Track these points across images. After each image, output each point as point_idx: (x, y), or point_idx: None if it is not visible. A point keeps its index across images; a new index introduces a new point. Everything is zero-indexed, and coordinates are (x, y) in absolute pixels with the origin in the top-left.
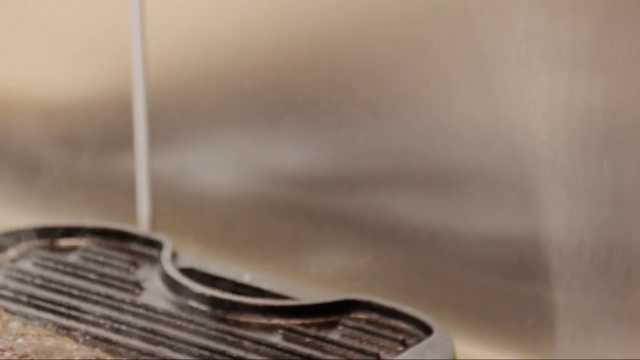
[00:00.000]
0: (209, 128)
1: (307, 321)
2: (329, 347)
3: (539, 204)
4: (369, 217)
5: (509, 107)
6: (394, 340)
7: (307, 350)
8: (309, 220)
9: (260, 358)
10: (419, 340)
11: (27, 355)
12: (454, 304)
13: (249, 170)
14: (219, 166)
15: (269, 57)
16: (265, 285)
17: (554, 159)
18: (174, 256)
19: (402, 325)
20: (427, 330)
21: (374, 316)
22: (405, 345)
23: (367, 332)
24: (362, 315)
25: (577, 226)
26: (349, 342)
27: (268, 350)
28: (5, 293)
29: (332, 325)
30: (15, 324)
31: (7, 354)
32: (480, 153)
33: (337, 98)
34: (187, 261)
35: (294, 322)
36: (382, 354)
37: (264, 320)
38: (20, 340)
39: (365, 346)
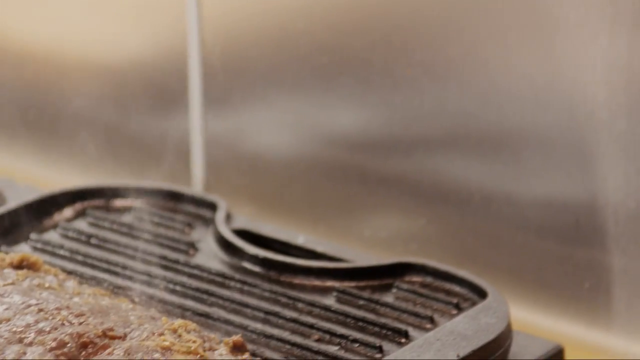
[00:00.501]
0: (264, 89)
1: (361, 284)
2: (382, 309)
3: (596, 167)
4: (424, 180)
5: (567, 69)
6: (448, 303)
7: (360, 313)
8: (363, 182)
9: (314, 320)
10: (473, 303)
11: (83, 314)
12: (508, 267)
13: (304, 132)
14: (273, 128)
15: (324, 18)
16: (319, 247)
17: (612, 121)
18: (228, 217)
19: (457, 288)
20: (482, 294)
21: (428, 279)
22: (459, 308)
23: (421, 295)
24: (416, 279)
25: (634, 189)
26: (403, 305)
27: (322, 312)
28: (62, 252)
29: (386, 288)
30: (71, 283)
31: (64, 313)
32: (537, 115)
33: (392, 59)
34: (241, 223)
35: (347, 285)
36: (436, 317)
37: (317, 283)
38: (76, 299)
39: (419, 309)
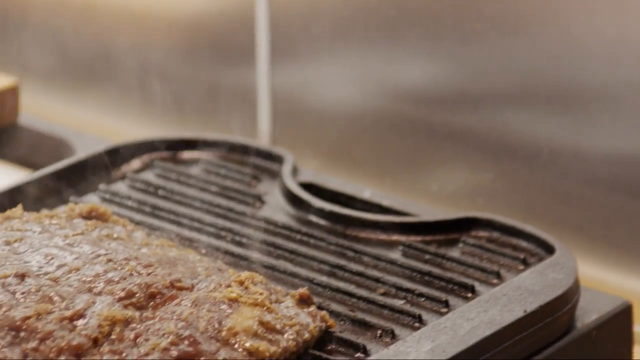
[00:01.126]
0: (331, 42)
1: (427, 238)
2: (449, 264)
3: None
4: (491, 134)
5: (638, 23)
6: (515, 258)
7: (426, 267)
8: (430, 136)
9: (379, 274)
10: (541, 259)
11: (151, 265)
12: (576, 223)
13: (371, 85)
14: (340, 81)
15: None
16: (385, 201)
17: None
18: (295, 171)
19: (524, 244)
20: (549, 249)
21: (495, 234)
22: (526, 264)
23: (488, 250)
24: (483, 234)
25: None
26: (469, 259)
27: (388, 266)
28: (129, 203)
29: (452, 243)
30: (139, 234)
31: (132, 263)
32: (608, 70)
33: (461, 13)
34: (307, 176)
35: (414, 239)
36: (503, 272)
37: (383, 237)
38: (144, 250)
39: (485, 264)
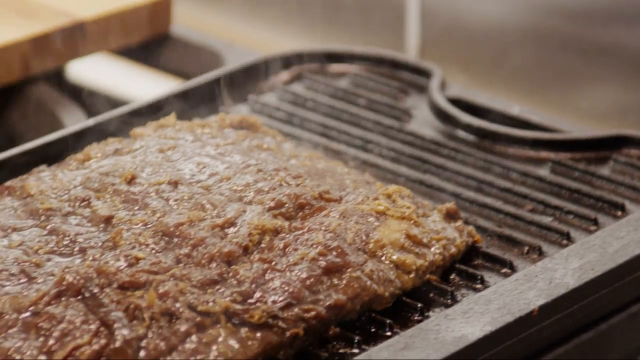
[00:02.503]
0: None
1: (577, 155)
2: (598, 182)
3: None
4: None
5: None
6: None
7: (575, 185)
8: (582, 53)
9: (527, 190)
10: None
11: (300, 176)
12: None
13: (521, 0)
14: None
15: None
16: (534, 117)
17: None
18: (443, 85)
19: None
20: None
21: None
22: None
23: (639, 168)
24: (634, 152)
25: None
26: (620, 178)
27: (536, 182)
28: (279, 114)
29: (602, 161)
30: (288, 145)
31: (282, 174)
32: None
33: None
34: (455, 91)
35: (563, 156)
36: None
37: (532, 153)
38: (293, 161)
39: (636, 183)
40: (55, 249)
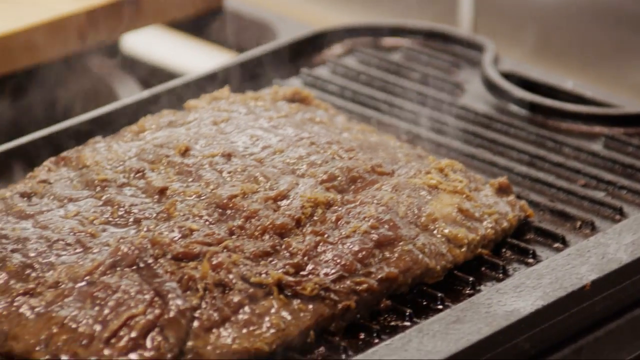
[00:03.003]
0: None
1: (630, 130)
2: None
3: None
4: None
5: None
6: None
7: (629, 160)
8: (636, 27)
9: (580, 165)
10: None
11: (352, 149)
12: None
13: None
14: None
15: None
16: (588, 92)
17: None
18: (496, 60)
19: None
20: None
21: None
22: None
23: None
24: None
25: None
26: None
27: (589, 157)
28: (331, 88)
29: None
30: (340, 119)
31: (334, 147)
32: None
33: None
34: (508, 65)
35: (616, 131)
36: None
37: (585, 128)
38: (345, 134)
39: None
40: (110, 219)
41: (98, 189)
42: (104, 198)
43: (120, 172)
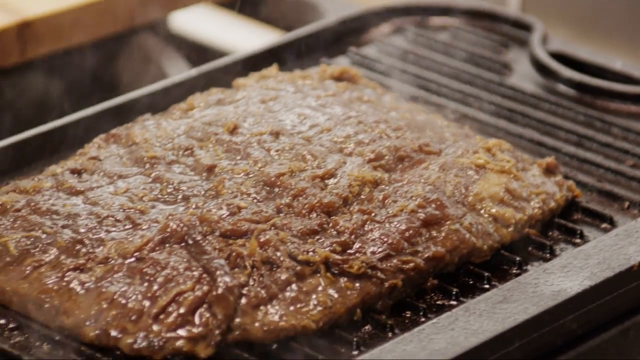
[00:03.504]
0: None
1: None
2: None
3: None
4: None
5: None
6: None
7: None
8: None
9: (629, 145)
10: None
11: (400, 128)
12: None
13: None
14: None
15: None
16: (636, 72)
17: None
18: (544, 39)
19: None
20: None
21: None
22: None
23: None
24: None
25: None
26: None
27: (637, 138)
28: (379, 67)
29: None
30: (388, 98)
31: (382, 126)
32: None
33: None
34: (556, 45)
35: None
36: None
37: (634, 108)
38: (393, 113)
39: None
40: (159, 196)
41: (147, 166)
42: (152, 175)
43: (169, 150)
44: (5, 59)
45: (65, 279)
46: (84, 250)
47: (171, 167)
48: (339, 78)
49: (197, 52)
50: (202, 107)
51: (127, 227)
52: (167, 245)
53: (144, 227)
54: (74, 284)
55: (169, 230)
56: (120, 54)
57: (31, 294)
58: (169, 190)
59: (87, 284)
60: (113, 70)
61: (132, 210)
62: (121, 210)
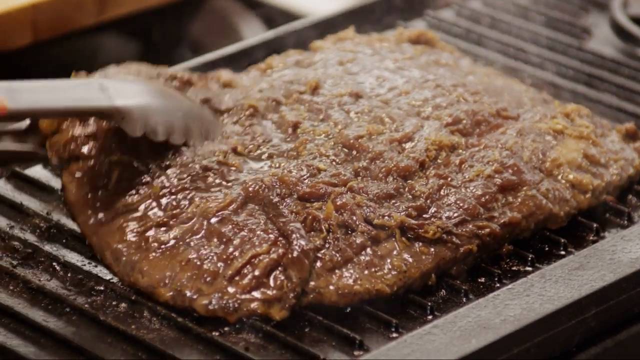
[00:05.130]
0: None
1: None
2: None
3: None
4: None
5: None
6: None
7: None
8: None
9: None
10: None
11: (478, 93)
12: None
13: None
14: None
15: None
16: None
17: None
18: (625, 3)
19: None
20: None
21: None
22: None
23: None
24: None
25: None
26: None
27: None
28: (456, 31)
29: None
30: (465, 62)
31: (460, 90)
32: None
33: None
34: (637, 9)
35: None
36: None
37: None
38: (470, 77)
39: None
40: (250, 151)
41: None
42: (247, 124)
43: (260, 100)
44: (84, 19)
45: (146, 233)
46: (174, 203)
47: (262, 120)
48: (416, 41)
49: (273, 14)
50: (280, 67)
51: (217, 181)
52: (249, 205)
53: (229, 185)
54: (153, 243)
55: (251, 189)
56: (197, 17)
57: (111, 243)
58: (257, 144)
59: (165, 245)
60: (190, 32)
61: (225, 167)
62: (216, 163)
